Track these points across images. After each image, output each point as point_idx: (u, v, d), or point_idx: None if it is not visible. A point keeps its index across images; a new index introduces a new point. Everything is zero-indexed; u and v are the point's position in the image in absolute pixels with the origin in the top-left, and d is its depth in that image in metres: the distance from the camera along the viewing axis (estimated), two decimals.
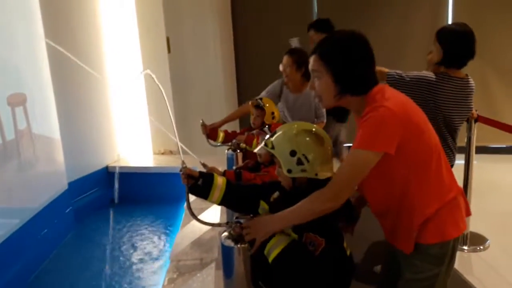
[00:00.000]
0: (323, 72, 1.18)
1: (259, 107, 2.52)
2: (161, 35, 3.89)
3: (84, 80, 3.45)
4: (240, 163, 2.62)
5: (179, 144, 1.94)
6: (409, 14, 4.73)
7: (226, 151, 2.69)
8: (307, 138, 1.36)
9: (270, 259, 1.25)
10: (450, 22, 4.90)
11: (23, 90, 2.64)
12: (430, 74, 1.86)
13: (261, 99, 2.56)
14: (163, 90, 2.16)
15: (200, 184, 1.50)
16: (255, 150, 1.73)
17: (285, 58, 2.90)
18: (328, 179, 1.29)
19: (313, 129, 1.34)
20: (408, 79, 1.86)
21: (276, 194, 1.40)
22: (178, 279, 2.07)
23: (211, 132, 2.76)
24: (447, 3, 4.93)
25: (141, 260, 2.65)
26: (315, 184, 1.22)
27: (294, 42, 3.78)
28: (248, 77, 5.01)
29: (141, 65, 3.98)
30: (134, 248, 2.83)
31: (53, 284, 2.50)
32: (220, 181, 1.51)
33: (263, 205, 1.46)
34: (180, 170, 1.53)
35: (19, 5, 2.69)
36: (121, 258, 2.69)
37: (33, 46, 2.81)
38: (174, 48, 4.02)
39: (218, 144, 2.83)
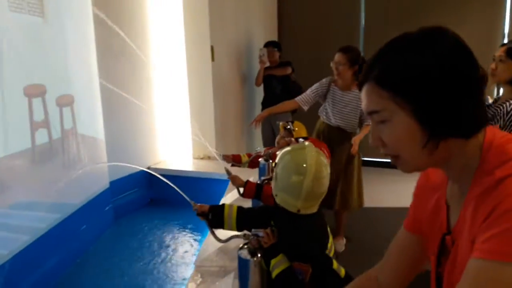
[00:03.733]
0: (395, 110, 0.68)
1: (289, 130, 2.53)
2: (206, 44, 4.00)
3: (130, 85, 3.63)
4: (271, 173, 2.64)
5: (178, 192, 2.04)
6: (463, 24, 4.52)
7: (259, 159, 2.72)
8: (289, 164, 1.35)
9: (273, 275, 1.27)
10: (507, 31, 4.65)
11: (72, 92, 2.83)
12: None
13: (293, 122, 2.54)
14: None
15: (210, 218, 1.65)
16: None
17: (338, 56, 2.87)
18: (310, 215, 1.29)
19: (305, 161, 1.31)
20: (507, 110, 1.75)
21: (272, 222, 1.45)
22: (200, 285, 2.11)
23: (234, 158, 2.80)
24: (503, 11, 4.68)
25: (168, 262, 2.73)
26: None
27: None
28: None
29: (186, 73, 4.12)
30: (164, 249, 2.91)
31: (86, 278, 2.63)
32: (228, 211, 1.62)
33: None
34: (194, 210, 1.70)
35: (73, 14, 2.89)
36: (150, 258, 2.78)
37: (83, 51, 3.00)
38: (218, 57, 4.12)
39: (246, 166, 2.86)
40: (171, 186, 3.84)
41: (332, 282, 1.27)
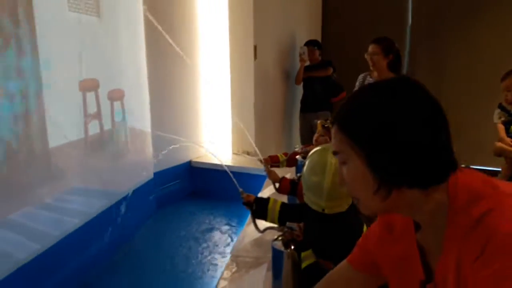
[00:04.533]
0: (350, 154, 0.71)
1: (326, 128, 2.54)
2: (249, 43, 4.09)
3: (176, 81, 3.79)
4: None
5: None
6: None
7: (297, 157, 2.76)
8: (314, 164, 1.38)
9: (303, 266, 1.32)
10: None
11: (122, 87, 3.01)
12: None
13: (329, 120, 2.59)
14: None
15: (255, 208, 1.73)
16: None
17: (372, 47, 2.87)
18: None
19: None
20: None
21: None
22: (235, 274, 2.20)
23: (272, 159, 2.83)
24: None
25: (206, 250, 2.86)
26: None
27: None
28: None
29: (229, 70, 4.22)
30: (202, 238, 3.05)
31: (130, 262, 2.80)
32: (273, 205, 1.68)
33: None
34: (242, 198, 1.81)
35: (126, 13, 3.07)
36: (189, 246, 2.92)
37: (133, 48, 3.18)
38: (260, 56, 4.20)
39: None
40: (212, 180, 3.98)
41: None
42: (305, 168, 1.39)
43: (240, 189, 1.88)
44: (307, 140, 4.50)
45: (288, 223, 1.66)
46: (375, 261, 0.84)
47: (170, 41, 2.50)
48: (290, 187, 2.18)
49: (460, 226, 0.65)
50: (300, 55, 4.60)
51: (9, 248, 2.02)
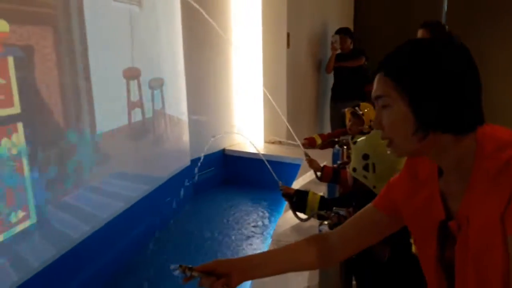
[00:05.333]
0: (395, 97, 0.77)
1: (356, 115, 2.50)
2: (283, 31, 4.09)
3: (210, 71, 3.85)
4: (345, 159, 2.69)
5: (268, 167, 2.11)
6: None
7: (335, 145, 2.77)
8: (389, 153, 1.38)
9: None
10: None
11: (161, 76, 3.08)
12: None
13: (358, 105, 2.51)
14: None
15: (294, 201, 1.74)
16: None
17: (421, 32, 2.79)
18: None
19: None
20: None
21: (353, 204, 1.50)
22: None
23: (310, 142, 2.83)
24: None
25: (245, 235, 2.93)
26: (369, 195, 1.16)
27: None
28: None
29: (262, 58, 4.24)
30: (240, 223, 3.12)
31: (169, 245, 2.89)
32: (312, 198, 1.68)
33: None
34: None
35: (164, 3, 3.13)
36: (227, 231, 3.00)
37: (171, 37, 3.24)
38: (293, 44, 4.20)
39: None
40: (245, 167, 4.03)
41: (410, 265, 1.31)
42: (379, 150, 1.35)
43: (279, 182, 1.88)
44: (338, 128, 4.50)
45: (335, 209, 1.68)
46: (396, 207, 0.93)
47: (205, 15, 2.52)
48: (332, 175, 2.20)
49: (488, 169, 0.72)
50: (332, 43, 4.57)
51: (65, 228, 2.13)
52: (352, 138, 1.48)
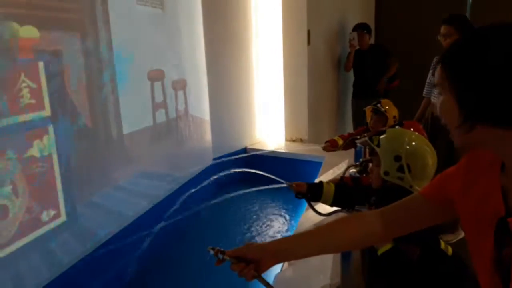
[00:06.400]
0: (446, 87, 0.77)
1: (379, 112, 2.46)
2: (303, 28, 4.08)
3: (232, 71, 3.88)
4: (368, 156, 2.66)
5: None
6: None
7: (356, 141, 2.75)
8: (421, 150, 1.33)
9: (379, 252, 1.31)
10: None
11: (183, 77, 3.13)
12: None
13: (379, 102, 2.46)
14: None
15: (310, 197, 1.71)
16: (358, 141, 1.65)
17: (444, 28, 2.72)
18: None
19: (429, 144, 1.33)
20: None
21: (373, 200, 1.48)
22: None
23: (332, 144, 2.81)
24: None
25: (267, 234, 2.95)
26: (404, 193, 1.14)
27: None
28: None
29: (282, 55, 4.25)
30: (262, 220, 3.16)
31: (191, 243, 2.95)
32: (327, 191, 1.67)
33: None
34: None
35: (186, 5, 3.18)
36: (250, 228, 3.04)
37: (193, 39, 3.29)
38: (313, 41, 4.19)
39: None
40: (266, 166, 4.04)
41: (440, 262, 1.30)
42: (410, 149, 1.32)
43: (287, 183, 1.81)
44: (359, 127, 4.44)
45: (357, 207, 1.68)
46: (448, 199, 0.89)
47: None
48: (351, 183, 2.17)
49: None
50: (350, 41, 4.48)
51: (93, 226, 2.20)
52: (371, 139, 1.44)
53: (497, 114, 0.71)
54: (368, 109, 2.58)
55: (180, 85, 3.07)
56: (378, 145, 1.37)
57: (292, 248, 0.98)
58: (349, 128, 4.95)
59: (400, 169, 1.32)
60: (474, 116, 0.73)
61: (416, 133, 1.38)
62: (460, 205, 0.87)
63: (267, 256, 0.94)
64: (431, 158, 1.32)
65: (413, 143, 1.33)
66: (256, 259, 0.93)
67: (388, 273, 1.35)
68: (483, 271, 0.83)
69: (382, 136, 1.40)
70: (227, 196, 3.54)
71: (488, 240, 0.79)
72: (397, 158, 1.31)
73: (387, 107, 2.43)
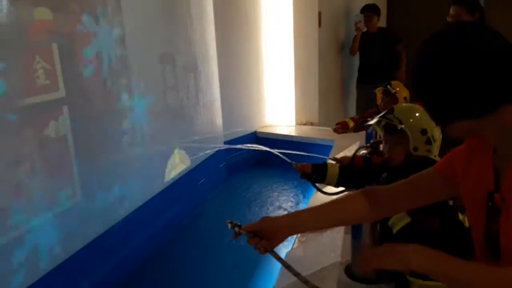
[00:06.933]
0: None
1: (389, 94, 2.45)
2: (314, 10, 4.04)
3: (242, 55, 3.89)
4: (378, 138, 2.66)
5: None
6: None
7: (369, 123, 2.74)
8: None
9: (395, 230, 1.33)
10: None
11: (195, 60, 3.14)
12: None
13: (390, 84, 2.44)
14: None
15: (314, 178, 1.70)
16: (372, 122, 1.59)
17: (453, 9, 2.68)
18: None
19: None
20: None
21: (384, 175, 1.48)
22: (309, 234, 2.29)
23: (343, 126, 2.80)
24: None
25: (277, 213, 2.99)
26: (428, 164, 1.16)
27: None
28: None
29: (292, 36, 4.21)
30: (273, 203, 3.20)
31: (205, 223, 3.00)
32: (332, 172, 1.67)
33: None
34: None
35: None
36: (261, 209, 3.08)
37: (203, 23, 3.28)
38: (324, 23, 4.14)
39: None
40: (277, 149, 4.05)
41: (458, 233, 1.31)
42: (429, 121, 1.34)
43: (293, 162, 1.79)
44: (363, 112, 4.29)
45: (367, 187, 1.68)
46: (456, 175, 0.95)
47: None
48: (363, 164, 2.17)
49: None
50: (356, 23, 4.25)
51: (107, 206, 2.25)
52: (390, 118, 1.43)
53: (459, 112, 0.78)
54: (378, 91, 2.57)
55: (191, 69, 3.07)
56: (401, 123, 1.38)
57: (305, 221, 1.03)
58: (352, 113, 4.89)
59: (428, 141, 1.34)
60: (440, 118, 0.83)
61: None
62: (462, 182, 0.93)
63: (283, 228, 0.99)
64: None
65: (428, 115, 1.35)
66: (272, 232, 0.97)
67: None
68: (478, 245, 0.89)
69: (400, 114, 1.40)
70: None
71: (481, 213, 0.86)
72: (424, 132, 1.34)
73: (397, 89, 2.43)
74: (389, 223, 1.40)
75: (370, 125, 2.71)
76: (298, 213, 1.11)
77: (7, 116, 1.64)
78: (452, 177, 0.95)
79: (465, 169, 0.92)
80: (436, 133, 1.36)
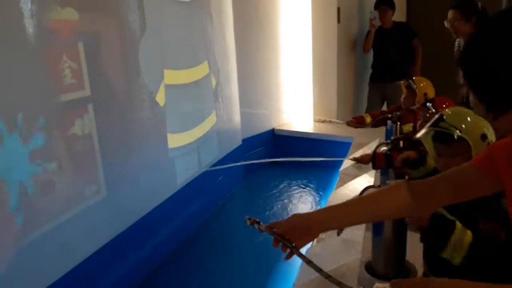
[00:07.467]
0: (467, 85, 0.82)
1: (411, 89, 2.43)
2: (333, 6, 4.02)
3: (260, 53, 3.90)
4: (398, 135, 2.64)
5: None
6: None
7: (388, 121, 2.72)
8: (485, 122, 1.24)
9: (456, 261, 1.12)
10: None
11: (214, 58, 3.16)
12: None
13: (413, 79, 2.43)
14: None
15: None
16: (420, 134, 1.39)
17: (450, 13, 2.68)
18: None
19: None
20: None
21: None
22: (328, 232, 2.29)
23: (358, 121, 2.78)
24: None
25: (297, 211, 2.99)
26: None
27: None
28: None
29: (311, 33, 4.19)
30: (291, 200, 3.21)
31: (224, 219, 3.03)
32: (460, 236, 1.18)
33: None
34: None
35: None
36: (279, 207, 3.09)
37: (223, 23, 3.30)
38: (343, 19, 4.12)
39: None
40: (294, 146, 4.05)
41: None
42: (485, 124, 1.25)
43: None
44: (375, 107, 4.10)
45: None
46: (498, 170, 0.92)
47: None
48: (385, 160, 2.15)
49: None
50: (371, 20, 4.11)
51: (131, 202, 2.30)
52: (427, 135, 1.34)
53: (499, 101, 0.74)
54: (402, 84, 2.57)
55: (211, 67, 3.10)
56: (461, 132, 1.23)
57: (339, 216, 1.01)
58: (363, 112, 4.79)
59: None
60: (493, 108, 0.77)
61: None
62: (506, 177, 0.90)
63: (314, 223, 0.97)
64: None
65: (480, 117, 1.24)
66: (304, 228, 0.96)
67: (479, 257, 1.13)
68: None
69: (454, 120, 1.25)
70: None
71: None
72: (484, 137, 1.23)
73: (421, 84, 2.42)
74: (445, 256, 1.13)
75: (390, 119, 2.67)
76: (330, 209, 1.09)
77: (38, 115, 1.69)
78: (493, 171, 0.92)
79: (509, 163, 0.89)
80: (494, 137, 1.22)
